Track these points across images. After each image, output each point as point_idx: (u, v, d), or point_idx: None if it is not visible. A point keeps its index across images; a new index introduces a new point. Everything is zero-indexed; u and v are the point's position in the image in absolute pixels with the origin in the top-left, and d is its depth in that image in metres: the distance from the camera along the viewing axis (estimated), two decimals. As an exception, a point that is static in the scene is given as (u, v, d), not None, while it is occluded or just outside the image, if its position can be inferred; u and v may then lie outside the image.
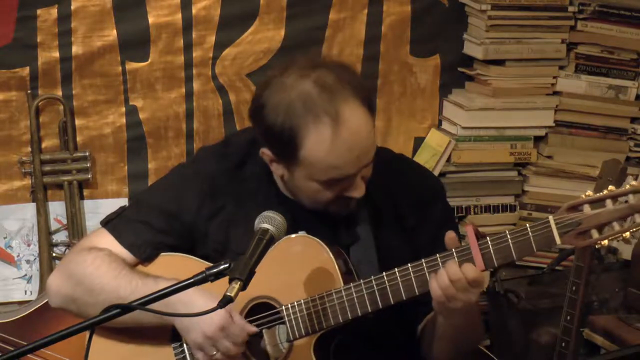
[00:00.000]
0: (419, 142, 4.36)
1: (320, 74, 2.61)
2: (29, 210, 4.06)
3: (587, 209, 2.47)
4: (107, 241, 2.83)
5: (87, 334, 2.34)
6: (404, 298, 2.61)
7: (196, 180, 2.82)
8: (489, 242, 2.53)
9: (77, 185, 4.06)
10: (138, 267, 2.83)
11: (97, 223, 3.95)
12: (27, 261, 4.09)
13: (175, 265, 2.77)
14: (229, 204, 2.80)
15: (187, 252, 2.81)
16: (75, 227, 4.04)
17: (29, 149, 4.02)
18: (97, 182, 4.10)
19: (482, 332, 2.85)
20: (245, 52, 4.12)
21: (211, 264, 2.67)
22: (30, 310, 3.65)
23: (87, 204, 4.10)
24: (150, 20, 4.03)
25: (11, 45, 3.95)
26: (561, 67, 4.30)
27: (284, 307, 2.69)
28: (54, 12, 3.95)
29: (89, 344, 2.32)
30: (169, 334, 2.80)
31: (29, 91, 3.98)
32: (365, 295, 2.62)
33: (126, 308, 2.31)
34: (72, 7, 3.96)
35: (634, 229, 2.43)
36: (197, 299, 2.63)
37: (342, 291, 2.64)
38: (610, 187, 2.46)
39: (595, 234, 2.46)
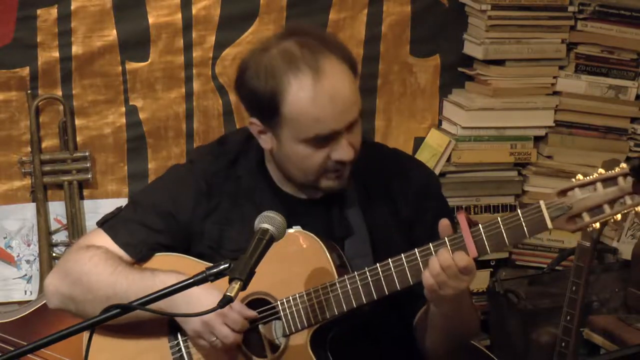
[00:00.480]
0: (419, 142, 4.36)
1: (301, 37, 2.66)
2: (29, 210, 4.06)
3: (577, 192, 2.48)
4: (103, 240, 2.83)
5: (87, 333, 2.34)
6: (399, 288, 2.61)
7: (191, 180, 2.83)
8: (481, 229, 2.54)
9: (77, 185, 4.06)
10: (134, 266, 2.84)
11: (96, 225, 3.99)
12: (27, 261, 4.09)
13: (171, 264, 2.78)
14: (224, 202, 2.81)
15: (183, 252, 2.82)
16: (75, 227, 4.05)
17: (29, 149, 4.02)
18: (97, 182, 4.11)
19: (476, 323, 2.84)
20: (245, 52, 4.07)
21: (206, 262, 2.69)
22: (30, 310, 3.65)
23: (87, 204, 4.10)
24: (150, 20, 4.04)
25: (11, 45, 3.95)
26: (561, 67, 4.30)
27: (279, 302, 2.70)
28: (54, 12, 3.96)
29: (89, 344, 2.31)
30: (166, 329, 2.81)
31: (29, 91, 3.99)
32: (360, 287, 2.63)
33: (126, 308, 2.31)
34: (72, 7, 3.96)
35: (625, 211, 2.45)
36: (195, 289, 2.61)
37: (337, 284, 2.65)
38: (600, 170, 2.47)
39: (586, 217, 2.48)
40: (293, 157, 2.69)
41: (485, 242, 2.54)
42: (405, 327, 2.83)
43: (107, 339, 2.79)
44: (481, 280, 4.28)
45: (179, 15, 4.05)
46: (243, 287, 2.38)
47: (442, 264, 2.52)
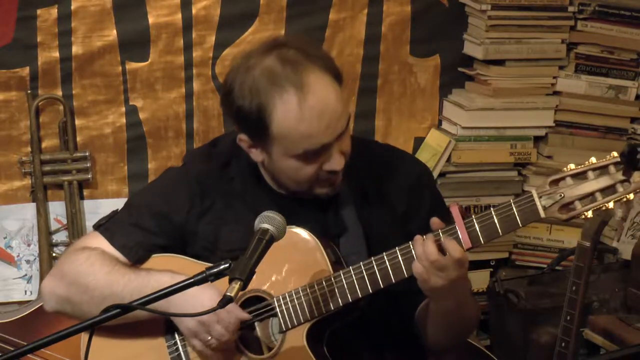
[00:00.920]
0: (419, 142, 4.36)
1: (281, 51, 2.64)
2: (29, 210, 4.06)
3: (569, 181, 2.49)
4: (99, 243, 2.85)
5: (86, 334, 2.34)
6: (393, 281, 2.62)
7: (185, 181, 2.84)
8: (474, 220, 2.55)
9: (77, 185, 4.06)
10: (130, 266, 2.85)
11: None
12: (27, 261, 4.09)
13: (168, 265, 2.78)
14: (218, 202, 2.82)
15: (179, 253, 2.83)
16: (75, 227, 4.05)
17: (29, 149, 4.02)
18: (97, 182, 4.11)
19: (476, 319, 2.86)
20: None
21: (202, 263, 2.70)
22: (30, 310, 3.65)
23: (87, 204, 4.10)
24: (150, 20, 4.04)
25: (11, 45, 3.95)
26: (561, 67, 4.30)
27: (275, 299, 2.70)
28: (54, 12, 3.96)
29: (88, 344, 2.31)
30: (163, 328, 2.81)
31: (29, 91, 3.99)
32: (355, 280, 2.64)
33: (126, 308, 2.31)
34: (72, 7, 3.96)
35: (616, 199, 2.46)
36: (194, 289, 2.62)
37: (332, 279, 2.66)
38: (592, 159, 2.48)
39: (578, 205, 2.49)
40: (285, 170, 2.70)
41: (479, 232, 2.55)
42: (402, 322, 2.83)
43: (104, 339, 2.80)
44: (481, 280, 4.28)
45: (179, 15, 4.05)
46: (243, 287, 2.38)
47: (426, 249, 2.54)
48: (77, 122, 4.06)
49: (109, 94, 4.07)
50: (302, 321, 2.69)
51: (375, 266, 2.63)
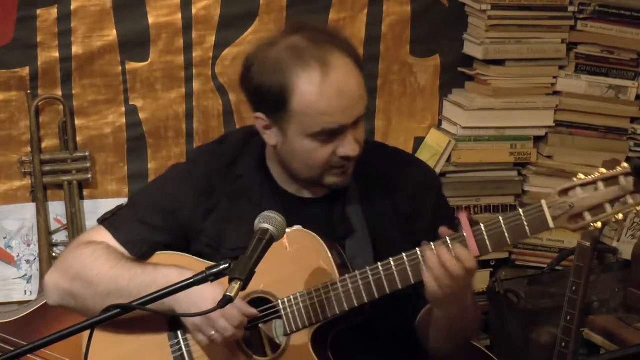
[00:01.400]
0: (419, 142, 4.36)
1: (307, 32, 2.66)
2: (29, 210, 4.06)
3: (579, 192, 2.48)
4: (104, 237, 2.84)
5: (87, 333, 2.34)
6: (400, 287, 2.61)
7: (191, 179, 2.83)
8: (483, 228, 2.54)
9: (77, 185, 4.06)
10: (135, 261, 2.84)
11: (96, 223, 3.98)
12: (27, 261, 4.09)
13: (171, 262, 2.78)
14: (224, 201, 2.81)
15: (182, 250, 2.82)
16: (75, 227, 4.05)
17: (29, 149, 4.02)
18: (97, 182, 4.11)
19: (478, 324, 2.85)
20: (245, 52, 4.08)
21: (206, 261, 2.70)
22: (30, 310, 3.65)
23: (87, 204, 4.10)
24: (150, 20, 4.04)
25: (11, 45, 3.95)
26: (561, 67, 4.30)
27: (280, 301, 2.70)
28: (54, 12, 3.96)
29: (88, 344, 2.31)
30: (166, 326, 2.81)
31: (29, 91, 3.99)
32: (361, 286, 2.63)
33: (126, 308, 2.31)
34: (72, 7, 3.96)
35: (626, 211, 2.45)
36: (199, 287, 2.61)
37: (338, 283, 2.65)
38: (602, 170, 2.47)
39: (587, 216, 2.48)
40: (299, 152, 2.69)
41: (487, 241, 2.54)
42: (406, 326, 2.83)
43: (107, 335, 2.79)
44: (481, 280, 4.28)
45: (179, 15, 4.05)
46: (243, 287, 2.38)
47: (441, 258, 2.52)
48: (77, 122, 4.06)
49: (109, 94, 4.07)
50: (307, 325, 2.68)
51: (381, 271, 2.62)
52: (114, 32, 4.02)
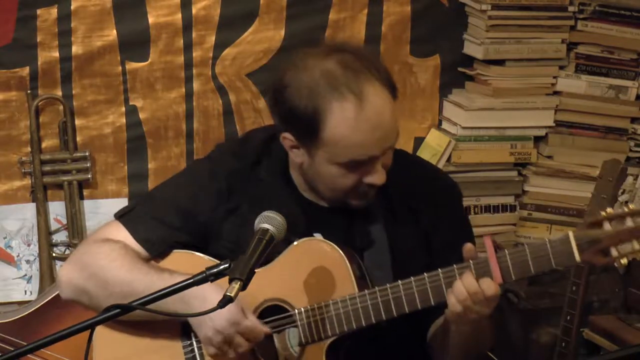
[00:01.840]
0: (419, 142, 4.36)
1: (343, 56, 2.62)
2: (29, 210, 4.06)
3: (607, 225, 2.46)
4: (122, 234, 2.81)
5: (87, 333, 2.34)
6: (419, 307, 2.59)
7: (212, 180, 2.80)
8: (507, 256, 2.52)
9: (77, 185, 4.06)
10: (151, 262, 2.82)
11: (97, 223, 3.99)
12: (27, 261, 4.09)
13: (187, 262, 2.76)
14: (244, 204, 2.78)
15: (200, 251, 2.80)
16: (75, 227, 4.04)
17: (29, 149, 4.02)
18: (97, 182, 4.10)
19: (492, 339, 2.85)
20: (245, 52, 4.12)
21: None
22: (30, 310, 3.65)
23: (87, 204, 4.10)
24: (150, 20, 4.03)
25: (11, 45, 3.95)
26: (561, 67, 4.30)
27: (296, 312, 2.67)
28: (54, 12, 3.95)
29: (89, 344, 2.31)
30: (179, 329, 2.79)
31: (29, 91, 3.98)
32: (380, 303, 2.61)
33: (126, 308, 2.31)
34: (72, 7, 3.96)
35: None
36: (211, 293, 2.59)
37: (357, 298, 2.62)
38: (631, 206, 2.45)
39: (614, 251, 2.45)
40: (324, 176, 2.67)
41: (511, 268, 2.53)
42: (418, 340, 2.82)
43: (118, 333, 2.78)
44: (481, 280, 4.27)
45: (179, 15, 4.05)
46: (243, 287, 2.37)
47: (468, 289, 2.52)
48: (77, 122, 4.06)
49: (109, 94, 4.06)
50: (323, 337, 2.65)
51: (401, 289, 2.60)
52: (114, 32, 4.01)
